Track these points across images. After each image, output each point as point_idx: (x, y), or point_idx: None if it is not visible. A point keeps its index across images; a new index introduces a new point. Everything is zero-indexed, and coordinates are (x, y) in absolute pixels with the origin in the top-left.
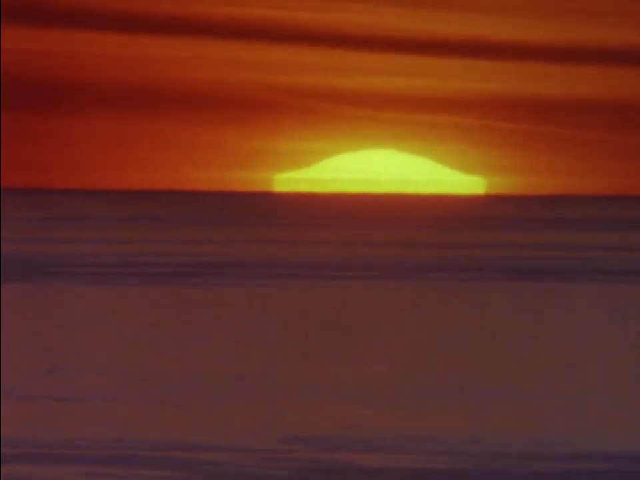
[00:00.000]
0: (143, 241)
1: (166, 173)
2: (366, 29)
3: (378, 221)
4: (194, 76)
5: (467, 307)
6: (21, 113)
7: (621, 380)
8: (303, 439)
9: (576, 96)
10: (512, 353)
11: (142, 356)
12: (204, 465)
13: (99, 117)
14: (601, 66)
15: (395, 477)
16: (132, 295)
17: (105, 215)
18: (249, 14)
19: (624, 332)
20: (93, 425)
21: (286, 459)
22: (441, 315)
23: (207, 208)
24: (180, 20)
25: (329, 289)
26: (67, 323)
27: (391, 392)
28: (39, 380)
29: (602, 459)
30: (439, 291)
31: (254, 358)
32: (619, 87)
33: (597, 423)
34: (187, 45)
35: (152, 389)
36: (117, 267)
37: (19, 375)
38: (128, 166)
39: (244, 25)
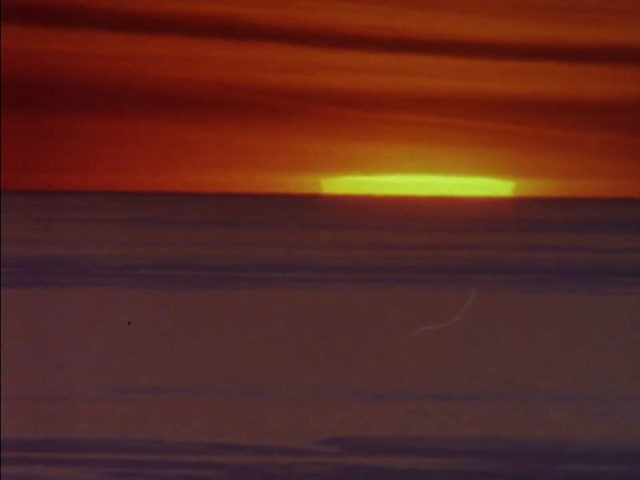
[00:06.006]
0: (175, 245)
1: (174, 175)
2: (377, 30)
3: (407, 223)
4: (216, 77)
5: (490, 308)
6: (21, 113)
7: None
8: (334, 441)
9: (606, 98)
10: (543, 355)
11: (152, 356)
12: (205, 466)
13: (102, 117)
14: None
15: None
16: (136, 296)
17: (116, 217)
18: (288, 15)
19: None
20: (94, 425)
21: (315, 461)
22: (468, 316)
23: (237, 210)
24: (191, 19)
25: (365, 291)
26: (67, 324)
27: (415, 395)
28: (39, 380)
29: (605, 459)
30: (467, 292)
31: (298, 360)
32: None
33: (602, 424)
34: (205, 45)
35: (160, 390)
36: (119, 269)
37: (19, 375)
38: (140, 167)
39: (281, 27)
